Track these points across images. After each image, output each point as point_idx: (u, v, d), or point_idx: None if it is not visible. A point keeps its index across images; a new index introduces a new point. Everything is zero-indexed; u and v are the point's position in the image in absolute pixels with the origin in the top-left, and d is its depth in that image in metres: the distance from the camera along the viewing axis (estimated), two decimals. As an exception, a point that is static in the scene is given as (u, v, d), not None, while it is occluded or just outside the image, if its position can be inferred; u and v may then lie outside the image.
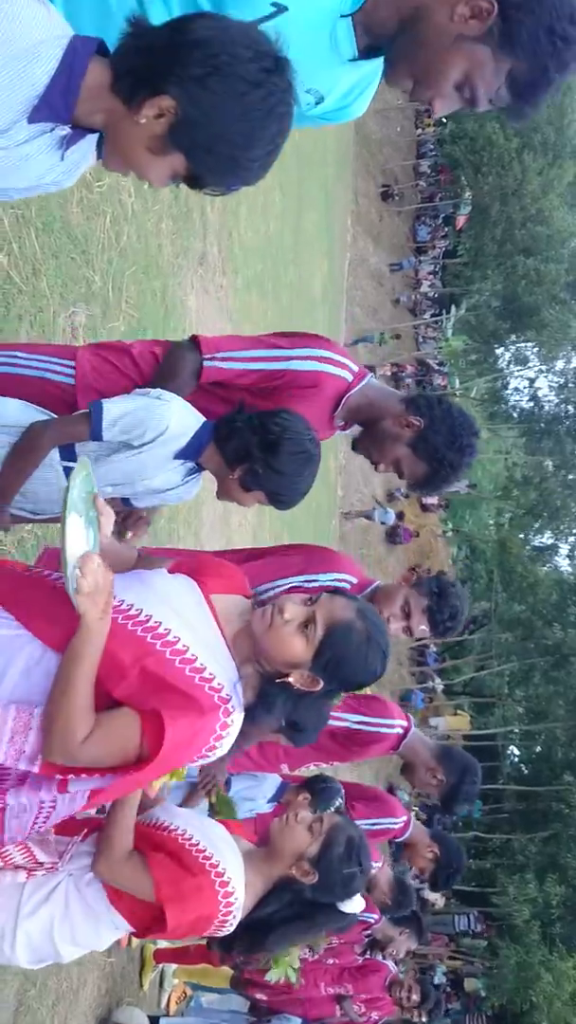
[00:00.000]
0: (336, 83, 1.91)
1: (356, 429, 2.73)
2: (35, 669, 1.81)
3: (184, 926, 2.17)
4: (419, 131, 40.09)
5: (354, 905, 2.45)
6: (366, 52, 1.82)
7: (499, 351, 43.55)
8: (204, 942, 5.23)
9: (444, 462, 2.59)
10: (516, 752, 36.54)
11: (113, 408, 2.24)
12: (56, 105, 1.41)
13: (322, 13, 1.76)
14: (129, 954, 5.24)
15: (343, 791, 3.63)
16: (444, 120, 40.61)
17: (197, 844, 2.19)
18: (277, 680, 1.99)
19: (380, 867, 4.44)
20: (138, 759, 1.79)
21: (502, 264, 37.66)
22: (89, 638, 1.73)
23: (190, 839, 2.20)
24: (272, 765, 3.69)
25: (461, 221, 38.43)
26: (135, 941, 5.22)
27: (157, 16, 1.67)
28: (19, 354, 2.44)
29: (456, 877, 4.50)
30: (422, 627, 3.13)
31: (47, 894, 2.20)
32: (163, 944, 5.74)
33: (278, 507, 2.45)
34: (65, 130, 1.47)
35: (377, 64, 1.88)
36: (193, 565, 2.10)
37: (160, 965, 5.72)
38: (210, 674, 1.88)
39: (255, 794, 4.08)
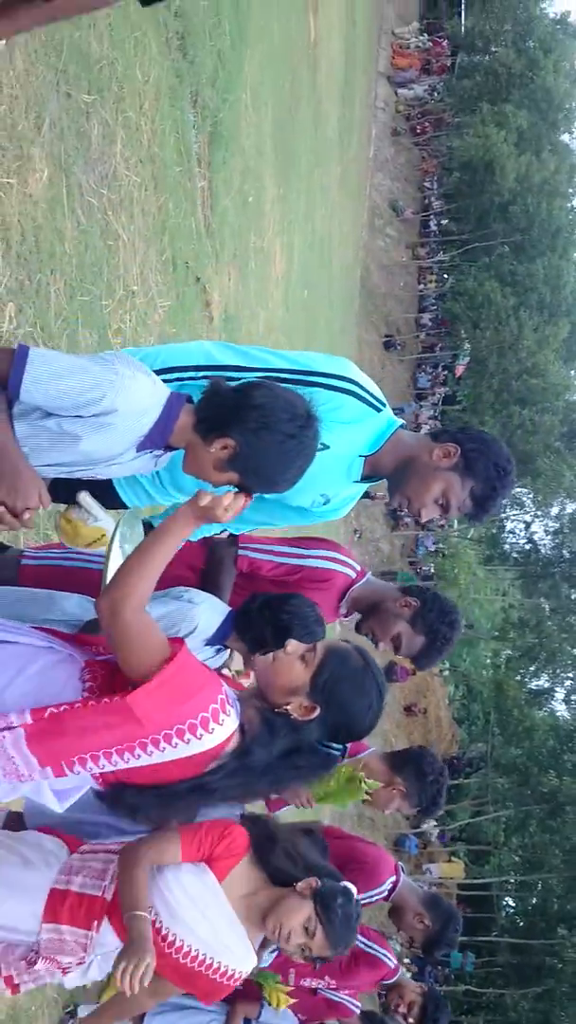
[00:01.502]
0: (339, 493, 2.78)
1: (355, 617, 3.18)
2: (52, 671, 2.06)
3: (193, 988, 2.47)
4: (421, 287, 41.94)
5: None
6: (364, 478, 2.74)
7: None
8: None
9: (439, 634, 3.04)
10: (511, 903, 35.59)
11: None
12: (156, 440, 2.10)
13: (349, 452, 2.64)
14: None
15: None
16: (445, 276, 42.81)
17: (202, 959, 2.39)
18: (275, 711, 2.16)
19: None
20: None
21: (499, 412, 38.72)
22: (178, 526, 1.97)
23: (196, 956, 2.39)
24: None
25: (460, 370, 39.76)
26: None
27: None
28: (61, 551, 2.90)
29: (443, 1021, 4.71)
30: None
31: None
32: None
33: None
34: (160, 452, 2.14)
35: (362, 488, 2.83)
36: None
37: None
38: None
39: None
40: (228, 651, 2.89)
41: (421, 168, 44.84)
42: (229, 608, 2.72)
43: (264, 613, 2.51)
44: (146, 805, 2.06)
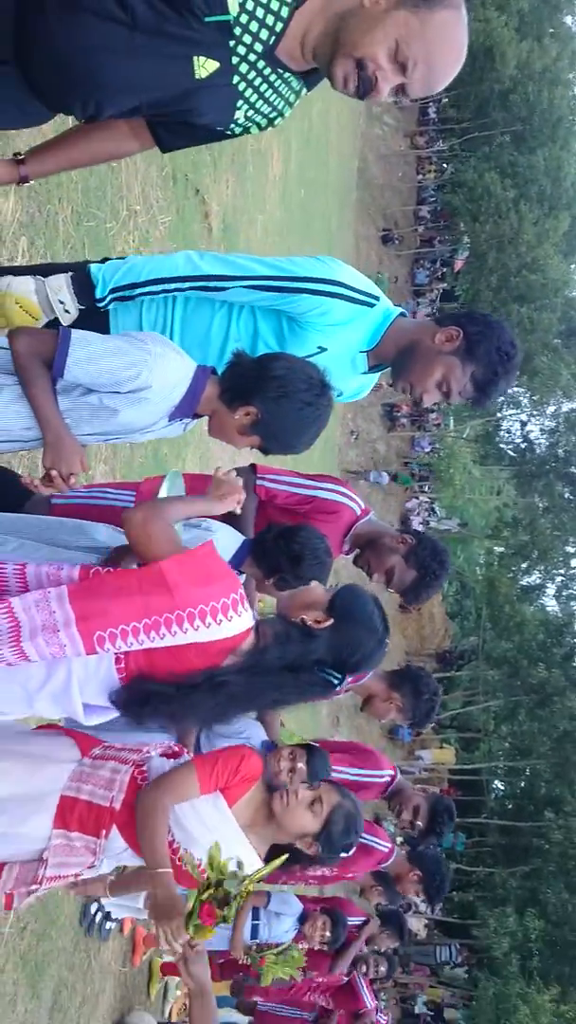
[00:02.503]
0: (348, 385, 2.84)
1: (356, 555, 3.38)
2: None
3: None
4: (420, 177, 40.96)
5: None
6: (371, 368, 2.80)
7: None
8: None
9: (429, 570, 3.28)
10: (501, 787, 36.71)
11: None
12: (185, 410, 2.33)
13: (347, 351, 2.68)
14: (140, 967, 5.89)
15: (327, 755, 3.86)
16: (445, 166, 41.76)
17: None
18: (291, 621, 2.39)
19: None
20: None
21: (497, 310, 38.29)
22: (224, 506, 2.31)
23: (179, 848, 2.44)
24: None
25: (459, 264, 39.15)
26: (144, 957, 5.87)
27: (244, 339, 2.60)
28: (109, 490, 3.11)
29: (445, 885, 5.03)
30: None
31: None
32: (169, 958, 6.37)
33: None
34: (189, 420, 2.38)
35: (374, 376, 2.87)
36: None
37: (165, 977, 6.21)
38: None
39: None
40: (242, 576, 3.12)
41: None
42: (243, 537, 2.87)
43: (279, 542, 2.70)
44: (164, 694, 2.17)
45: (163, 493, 2.38)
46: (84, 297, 2.44)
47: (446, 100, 41.85)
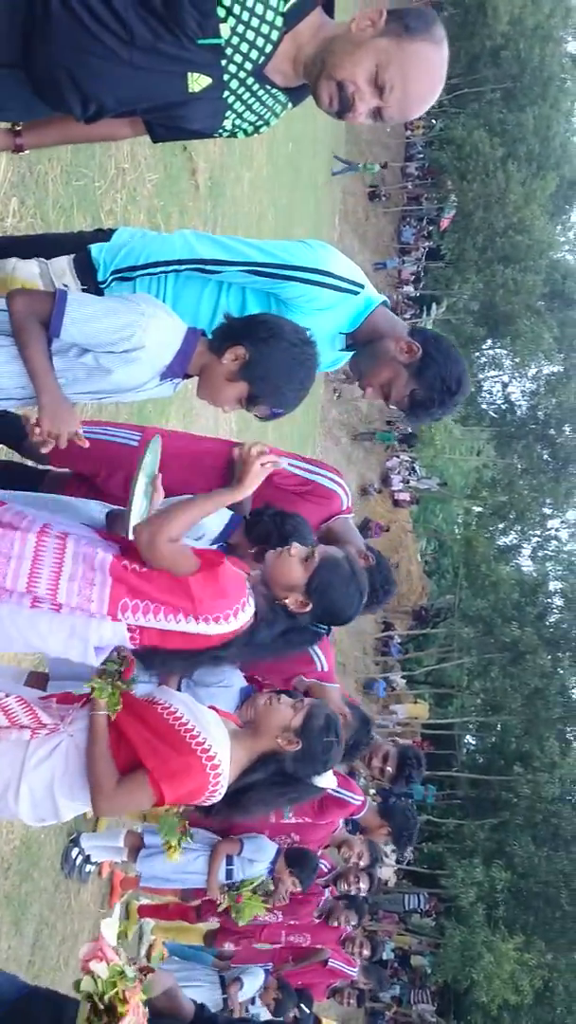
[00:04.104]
0: (326, 359, 2.89)
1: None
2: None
3: (180, 799, 2.54)
4: (408, 133, 40.53)
5: (327, 780, 2.89)
6: (347, 347, 2.94)
7: (475, 355, 44.18)
8: (181, 900, 6.07)
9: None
10: (472, 742, 37.31)
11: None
12: (176, 370, 2.41)
13: (329, 331, 2.82)
14: (119, 909, 6.09)
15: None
16: (433, 122, 41.26)
17: (187, 723, 2.51)
18: (276, 601, 2.55)
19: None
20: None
21: (482, 271, 38.15)
22: (223, 499, 2.41)
23: (180, 718, 2.52)
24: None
25: (445, 223, 38.81)
26: (121, 899, 6.06)
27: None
28: (109, 428, 3.23)
29: (414, 833, 5.31)
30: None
31: (49, 751, 2.49)
32: (146, 901, 6.57)
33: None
34: (178, 379, 2.46)
35: (349, 354, 2.99)
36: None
37: (142, 920, 6.42)
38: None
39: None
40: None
41: (411, 4, 42.54)
42: (231, 513, 3.00)
43: (275, 519, 2.87)
44: (173, 662, 2.50)
45: (146, 463, 2.44)
46: (86, 278, 2.59)
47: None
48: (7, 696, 2.45)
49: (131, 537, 2.36)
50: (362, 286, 2.77)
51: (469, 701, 35.50)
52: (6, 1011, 2.78)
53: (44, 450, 2.36)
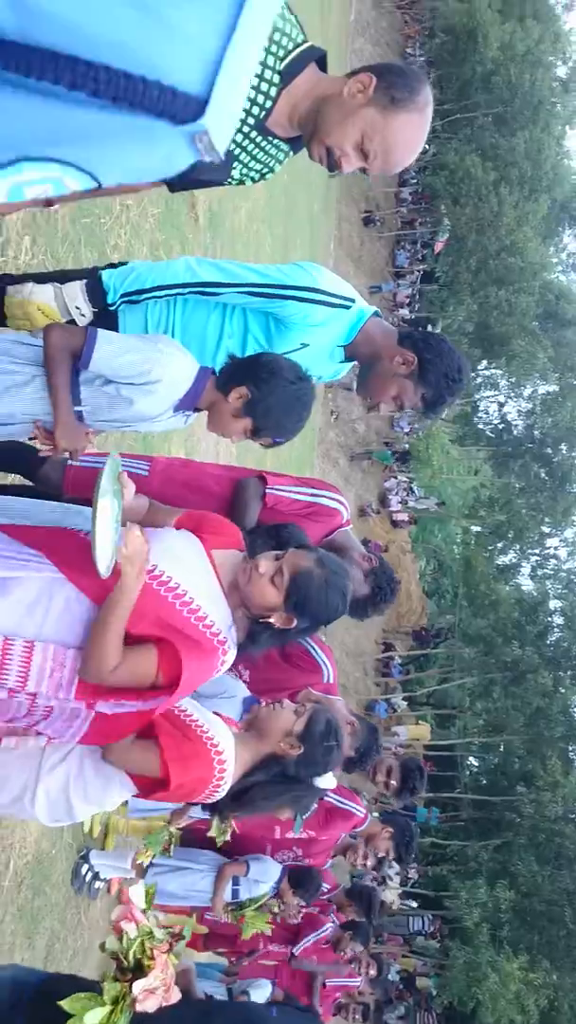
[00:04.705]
0: (327, 371, 3.19)
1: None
2: (67, 613, 2.24)
3: (185, 786, 2.46)
4: (402, 158, 40.74)
5: (327, 781, 2.91)
6: (346, 359, 3.13)
7: (471, 376, 44.29)
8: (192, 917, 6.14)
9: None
10: (474, 762, 37.17)
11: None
12: (187, 403, 2.64)
13: (326, 345, 3.03)
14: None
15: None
16: (426, 148, 41.66)
17: (196, 719, 2.53)
18: (260, 621, 2.48)
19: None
20: (152, 686, 2.27)
21: (476, 293, 38.39)
22: (126, 592, 2.17)
23: (191, 715, 2.53)
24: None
25: (439, 246, 39.18)
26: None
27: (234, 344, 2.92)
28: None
29: (413, 842, 5.41)
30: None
31: (64, 755, 2.50)
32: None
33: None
34: (190, 412, 2.70)
35: (348, 364, 3.18)
36: (197, 522, 2.55)
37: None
38: (211, 621, 2.39)
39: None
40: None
41: (403, 32, 43.16)
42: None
43: (268, 533, 2.90)
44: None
45: (104, 480, 2.20)
46: (96, 301, 2.83)
47: (429, 78, 41.59)
48: None
49: (100, 574, 2.17)
50: (353, 300, 2.94)
51: (471, 722, 35.43)
52: (33, 992, 2.89)
53: (43, 452, 2.59)
